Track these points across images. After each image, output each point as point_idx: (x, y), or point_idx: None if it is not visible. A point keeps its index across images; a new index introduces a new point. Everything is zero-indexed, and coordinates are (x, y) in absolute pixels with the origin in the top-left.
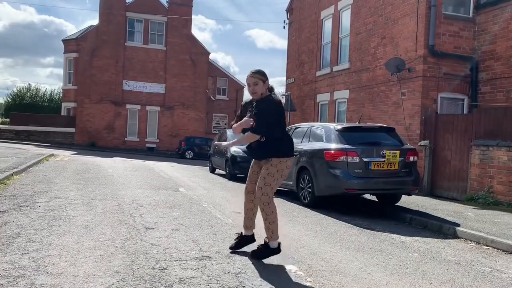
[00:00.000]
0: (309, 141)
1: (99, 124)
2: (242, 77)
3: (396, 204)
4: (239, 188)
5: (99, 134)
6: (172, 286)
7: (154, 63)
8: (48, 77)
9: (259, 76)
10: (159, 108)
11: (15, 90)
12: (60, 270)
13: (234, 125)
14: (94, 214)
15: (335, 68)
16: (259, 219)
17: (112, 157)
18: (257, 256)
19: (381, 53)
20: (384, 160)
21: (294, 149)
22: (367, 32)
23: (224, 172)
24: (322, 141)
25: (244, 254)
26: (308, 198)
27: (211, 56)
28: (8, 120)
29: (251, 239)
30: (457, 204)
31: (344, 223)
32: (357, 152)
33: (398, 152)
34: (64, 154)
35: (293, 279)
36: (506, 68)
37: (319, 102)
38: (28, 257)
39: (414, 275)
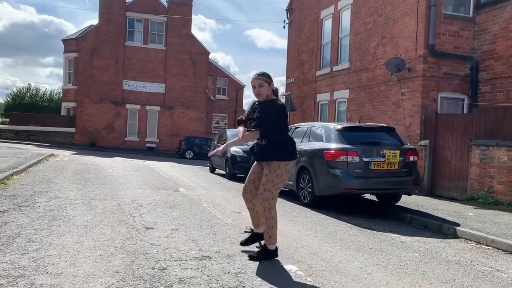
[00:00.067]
0: (309, 141)
1: (99, 124)
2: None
3: (396, 204)
4: (239, 188)
5: (99, 134)
6: (172, 286)
7: (154, 63)
8: (48, 77)
9: (265, 78)
10: (159, 108)
11: (15, 90)
12: (60, 270)
13: (239, 129)
14: (94, 214)
15: (335, 68)
16: None
17: (112, 157)
18: (254, 259)
19: (381, 52)
20: (384, 160)
21: (294, 143)
22: (367, 32)
23: (224, 172)
24: (322, 141)
25: (244, 254)
26: (308, 198)
27: (211, 56)
28: (8, 120)
29: (262, 236)
30: (457, 204)
31: (344, 223)
32: (357, 152)
33: (398, 152)
34: (64, 154)
35: (293, 279)
36: (506, 68)
37: (319, 101)
38: (28, 257)
39: (414, 275)
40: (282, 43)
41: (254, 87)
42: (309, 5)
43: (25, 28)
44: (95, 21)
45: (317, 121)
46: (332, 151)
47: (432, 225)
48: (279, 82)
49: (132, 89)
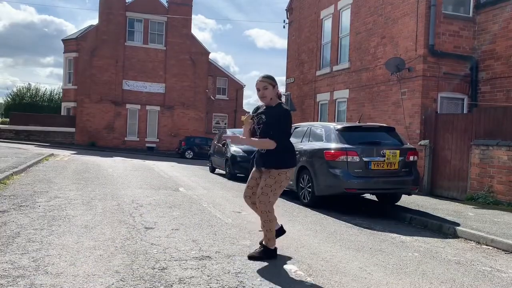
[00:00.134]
0: (309, 140)
1: (99, 124)
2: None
3: (396, 203)
4: (239, 188)
5: (99, 134)
6: (172, 286)
7: (154, 63)
8: (48, 77)
9: (269, 80)
10: (159, 108)
11: (15, 90)
12: (60, 270)
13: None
14: (94, 214)
15: (335, 68)
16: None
17: (112, 156)
18: (254, 259)
19: (381, 52)
20: (384, 159)
21: (294, 149)
22: (367, 32)
23: (224, 172)
24: (322, 140)
25: (244, 254)
26: (308, 198)
27: (211, 56)
28: (8, 120)
29: (280, 231)
30: (457, 203)
31: (344, 222)
32: (357, 151)
33: (398, 151)
34: (64, 154)
35: (293, 278)
36: (506, 68)
37: (319, 101)
38: (28, 257)
39: (414, 275)
40: (282, 43)
41: (258, 90)
42: (309, 5)
43: (25, 28)
44: (95, 21)
45: (317, 121)
46: (332, 151)
47: (432, 225)
48: (279, 82)
49: (132, 89)
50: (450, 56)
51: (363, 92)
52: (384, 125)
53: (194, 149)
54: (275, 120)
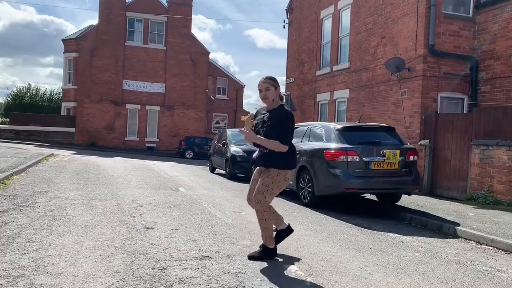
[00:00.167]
0: (309, 140)
1: (99, 124)
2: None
3: (396, 203)
4: (239, 188)
5: (99, 134)
6: (172, 286)
7: (154, 63)
8: (48, 77)
9: (271, 82)
10: (159, 107)
11: (15, 90)
12: (60, 270)
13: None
14: (94, 214)
15: (335, 68)
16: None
17: (112, 156)
18: (254, 259)
19: (381, 52)
20: (384, 159)
21: (295, 151)
22: (367, 32)
23: (224, 172)
24: (322, 140)
25: (244, 254)
26: (308, 198)
27: (211, 56)
28: (8, 120)
29: (287, 230)
30: (457, 203)
31: (344, 222)
32: (357, 151)
33: (398, 151)
34: (64, 154)
35: (293, 278)
36: (506, 68)
37: (319, 101)
38: (28, 257)
39: (414, 275)
40: (282, 43)
41: (260, 91)
42: (309, 5)
43: (25, 28)
44: (95, 21)
45: (317, 121)
46: (332, 151)
47: (432, 224)
48: (279, 82)
49: (132, 89)
50: (450, 56)
51: (363, 92)
52: (384, 125)
53: (194, 149)
54: (278, 122)
